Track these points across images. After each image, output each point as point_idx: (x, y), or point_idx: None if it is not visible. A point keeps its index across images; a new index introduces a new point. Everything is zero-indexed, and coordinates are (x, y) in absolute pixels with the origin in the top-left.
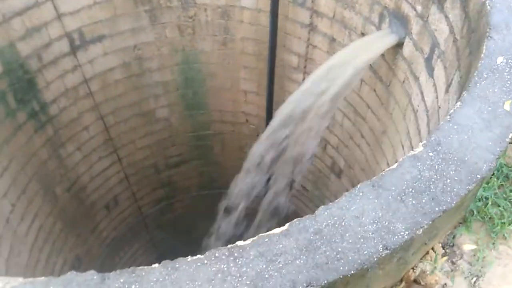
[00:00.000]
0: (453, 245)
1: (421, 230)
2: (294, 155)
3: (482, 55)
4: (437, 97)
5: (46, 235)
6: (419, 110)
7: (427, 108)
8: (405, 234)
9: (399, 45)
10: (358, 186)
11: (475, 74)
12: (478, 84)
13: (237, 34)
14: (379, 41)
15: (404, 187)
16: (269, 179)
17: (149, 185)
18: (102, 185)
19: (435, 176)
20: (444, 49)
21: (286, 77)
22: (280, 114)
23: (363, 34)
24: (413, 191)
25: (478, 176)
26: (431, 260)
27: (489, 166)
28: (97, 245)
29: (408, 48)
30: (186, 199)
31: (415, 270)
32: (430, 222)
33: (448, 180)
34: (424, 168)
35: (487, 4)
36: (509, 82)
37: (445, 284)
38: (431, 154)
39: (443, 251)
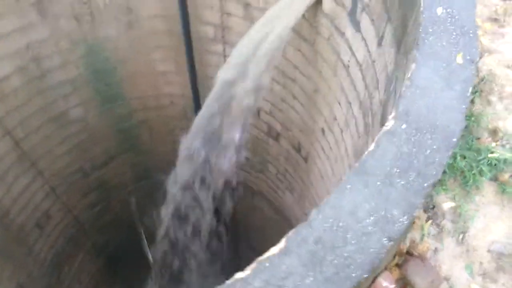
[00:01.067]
0: (433, 207)
1: (416, 210)
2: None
3: (421, 8)
4: (368, 51)
5: None
6: (351, 66)
7: (359, 62)
8: (404, 220)
9: (318, 2)
10: (344, 178)
11: (420, 29)
12: (426, 41)
13: (143, 13)
14: (296, 3)
15: (388, 168)
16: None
17: (79, 192)
18: (27, 205)
19: (414, 150)
20: (368, 2)
21: (205, 50)
22: (208, 102)
23: None
24: (398, 170)
25: (454, 139)
26: (417, 229)
27: (460, 127)
28: (38, 267)
29: (327, 4)
30: (123, 196)
31: (405, 242)
32: (423, 200)
33: (428, 151)
34: (402, 143)
35: None
36: (454, 34)
37: (436, 248)
38: (404, 126)
39: (426, 215)
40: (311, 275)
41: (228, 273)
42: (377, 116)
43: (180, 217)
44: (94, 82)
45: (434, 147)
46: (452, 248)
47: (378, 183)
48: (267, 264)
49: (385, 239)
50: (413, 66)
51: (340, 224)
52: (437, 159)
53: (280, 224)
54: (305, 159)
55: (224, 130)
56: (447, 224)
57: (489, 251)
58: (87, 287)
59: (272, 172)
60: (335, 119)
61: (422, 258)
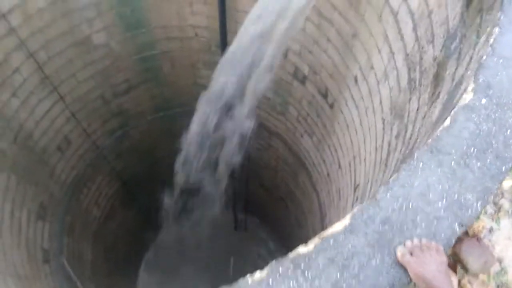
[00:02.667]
0: None
1: (492, 196)
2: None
3: None
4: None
5: (3, 193)
6: (400, 12)
7: (411, 10)
8: (478, 206)
9: None
10: (415, 155)
11: None
12: (511, 4)
13: None
14: None
15: (465, 148)
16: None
17: (99, 118)
18: (49, 128)
19: (494, 128)
20: None
21: None
22: (238, 40)
23: None
24: (475, 150)
25: None
26: None
27: None
28: (58, 188)
29: None
30: (142, 125)
31: None
32: (499, 185)
33: (509, 131)
34: (481, 119)
35: None
36: None
37: (491, 227)
38: (484, 101)
39: None
40: (378, 257)
41: (235, 207)
42: (428, 74)
43: (199, 147)
44: (118, 7)
45: None
46: (509, 229)
47: (453, 163)
48: (331, 241)
49: (457, 224)
50: (496, 30)
51: (410, 205)
52: None
53: (293, 166)
54: (331, 106)
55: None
56: (505, 204)
57: None
58: (104, 208)
59: (293, 114)
60: (372, 68)
61: (478, 237)
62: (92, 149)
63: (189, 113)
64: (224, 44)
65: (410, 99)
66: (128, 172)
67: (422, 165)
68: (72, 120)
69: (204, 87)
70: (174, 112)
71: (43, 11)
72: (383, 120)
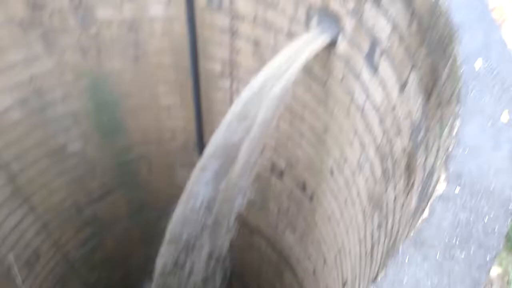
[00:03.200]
0: None
1: (481, 286)
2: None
3: (458, 61)
4: (387, 96)
5: None
6: (366, 108)
7: (376, 106)
8: None
9: (332, 43)
10: (400, 249)
11: (460, 83)
12: (468, 96)
13: (150, 47)
14: (309, 45)
15: (447, 239)
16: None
17: (72, 227)
18: (18, 242)
19: (471, 217)
20: (389, 47)
21: (212, 85)
22: (213, 144)
23: (290, 35)
24: (457, 241)
25: (510, 206)
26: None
27: None
28: None
29: (342, 46)
30: (117, 232)
31: None
32: (486, 274)
33: (486, 219)
34: (457, 209)
35: (442, 3)
36: (495, 88)
37: None
38: (457, 190)
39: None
40: None
41: None
42: (400, 165)
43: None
44: (96, 115)
45: (492, 214)
46: None
47: (438, 255)
48: None
49: None
50: (457, 122)
51: None
52: (496, 228)
53: (277, 264)
54: (310, 199)
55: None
56: None
57: None
58: None
59: (273, 210)
60: (346, 160)
61: None
62: (63, 262)
63: (167, 216)
64: (201, 144)
65: (386, 189)
66: (101, 285)
67: (408, 259)
68: (43, 231)
69: (182, 188)
70: (151, 216)
71: (18, 123)
72: (363, 211)
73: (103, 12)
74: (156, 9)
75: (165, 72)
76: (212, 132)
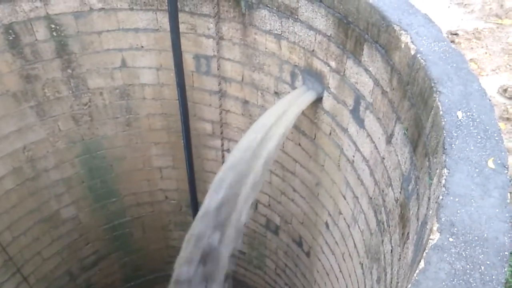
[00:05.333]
0: None
1: None
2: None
3: (440, 111)
4: (376, 148)
5: None
6: (356, 161)
7: (365, 158)
8: None
9: (318, 100)
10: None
11: (444, 133)
12: (453, 145)
13: (142, 112)
14: (296, 103)
15: None
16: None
17: None
18: None
19: (468, 266)
20: (372, 101)
21: (202, 145)
22: (206, 204)
23: (276, 93)
24: None
25: (506, 253)
26: None
27: (510, 238)
28: None
29: (328, 102)
30: None
31: None
32: None
33: (482, 267)
34: (453, 259)
35: (419, 58)
36: (479, 137)
37: None
38: (451, 239)
39: None
40: None
41: None
42: (394, 215)
43: None
44: (88, 180)
45: (488, 262)
46: None
47: None
48: None
49: None
50: (445, 172)
51: None
52: (494, 277)
53: None
54: (307, 254)
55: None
56: None
57: None
58: None
59: (270, 267)
60: (340, 213)
61: None
62: None
63: (161, 279)
64: (194, 204)
65: (382, 241)
66: None
67: None
68: None
69: (176, 249)
70: (145, 280)
71: (10, 192)
72: (361, 264)
73: (95, 81)
74: (147, 76)
75: (157, 134)
76: (205, 191)
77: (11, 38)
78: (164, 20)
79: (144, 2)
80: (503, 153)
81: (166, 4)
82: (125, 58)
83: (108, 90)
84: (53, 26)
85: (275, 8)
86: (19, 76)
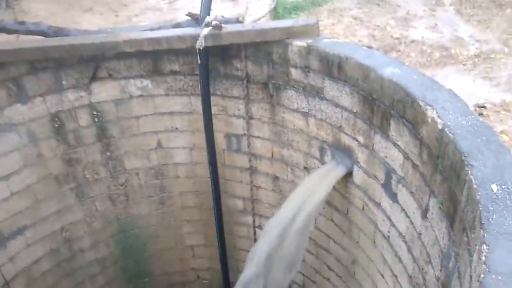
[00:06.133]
0: None
1: None
2: None
3: (474, 185)
4: (411, 223)
5: None
6: (392, 236)
7: (401, 234)
8: None
9: (348, 174)
10: None
11: (479, 208)
12: (490, 219)
13: (175, 190)
14: (326, 177)
15: None
16: None
17: None
18: None
19: None
20: (404, 175)
21: (234, 222)
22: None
23: (306, 168)
24: None
25: None
26: None
27: None
28: None
29: (359, 176)
30: None
31: None
32: None
33: None
34: None
35: (447, 131)
36: None
37: None
38: None
39: None
40: None
41: None
42: None
43: None
44: (122, 260)
45: None
46: None
47: None
48: None
49: None
50: (484, 247)
51: None
52: None
53: None
54: None
55: None
56: None
57: None
58: None
59: None
60: None
61: None
62: None
63: None
64: (227, 282)
65: None
66: None
67: None
68: None
69: None
70: None
71: (47, 273)
72: None
73: (132, 162)
74: (181, 156)
75: (189, 212)
76: (237, 269)
77: (56, 125)
78: (197, 104)
79: (179, 88)
80: None
81: (199, 89)
82: (161, 140)
83: (144, 170)
84: (95, 112)
85: (301, 89)
86: (61, 160)
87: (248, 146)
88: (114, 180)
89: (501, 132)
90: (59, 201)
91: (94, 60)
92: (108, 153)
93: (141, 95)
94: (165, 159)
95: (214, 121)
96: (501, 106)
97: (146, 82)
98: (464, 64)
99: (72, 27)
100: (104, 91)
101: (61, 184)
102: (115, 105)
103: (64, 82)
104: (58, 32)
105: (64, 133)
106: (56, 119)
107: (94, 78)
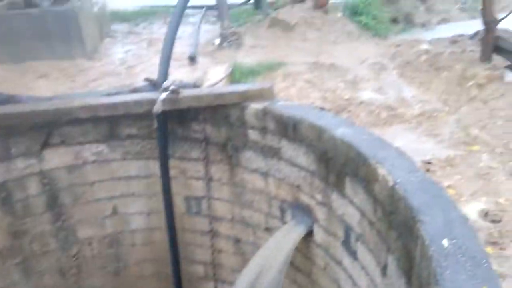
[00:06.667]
0: None
1: None
2: None
3: (427, 241)
4: (372, 281)
5: None
6: None
7: None
8: None
9: (309, 234)
10: None
11: (433, 264)
12: (444, 275)
13: (131, 259)
14: (287, 238)
15: None
16: None
17: None
18: None
19: None
20: (362, 232)
21: None
22: None
23: (268, 229)
24: None
25: None
26: None
27: None
28: None
29: (319, 235)
30: None
31: None
32: None
33: None
34: None
35: (398, 188)
36: (468, 265)
37: None
38: None
39: None
40: None
41: None
42: None
43: None
44: None
45: None
46: None
47: None
48: None
49: None
50: None
51: None
52: None
53: None
54: None
55: None
56: None
57: None
58: None
59: None
60: None
61: None
62: None
63: None
64: None
65: None
66: None
67: None
68: None
69: None
70: None
71: None
72: None
73: (85, 231)
74: (138, 222)
75: (146, 282)
76: None
77: (2, 195)
78: (155, 167)
79: (137, 152)
80: (495, 281)
81: (157, 152)
82: (116, 206)
83: (98, 239)
84: (46, 180)
85: (259, 149)
86: (7, 233)
87: (208, 209)
88: (65, 252)
89: (448, 186)
90: (3, 277)
91: (46, 127)
92: (59, 223)
93: (96, 161)
94: (121, 226)
95: (172, 184)
96: (446, 161)
97: (102, 147)
98: (409, 123)
99: (24, 94)
100: (56, 158)
101: (5, 259)
102: (68, 172)
103: (13, 150)
104: (9, 99)
105: (10, 204)
106: (3, 189)
107: (45, 145)
